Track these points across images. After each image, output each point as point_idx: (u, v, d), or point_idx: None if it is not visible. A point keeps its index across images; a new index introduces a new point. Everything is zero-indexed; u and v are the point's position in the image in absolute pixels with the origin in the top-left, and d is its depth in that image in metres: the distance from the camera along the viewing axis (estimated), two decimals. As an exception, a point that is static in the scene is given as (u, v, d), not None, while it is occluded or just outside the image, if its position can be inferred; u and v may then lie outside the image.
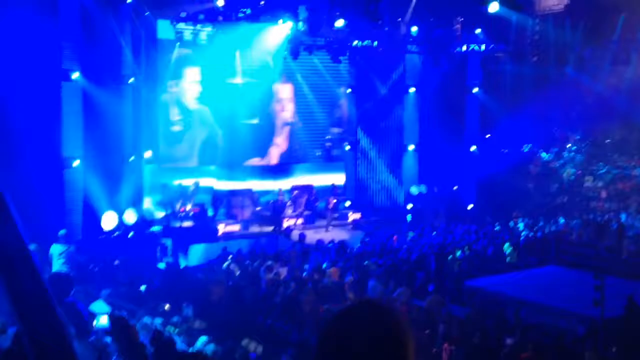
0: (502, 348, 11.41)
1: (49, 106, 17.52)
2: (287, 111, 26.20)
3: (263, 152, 25.89)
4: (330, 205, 24.80)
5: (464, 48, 26.36)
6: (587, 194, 25.43)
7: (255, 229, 23.15)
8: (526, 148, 28.65)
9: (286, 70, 25.61)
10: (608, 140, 27.47)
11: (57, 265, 13.08)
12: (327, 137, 27.32)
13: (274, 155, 26.17)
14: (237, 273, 16.71)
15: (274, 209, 23.80)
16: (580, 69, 27.18)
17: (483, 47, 26.48)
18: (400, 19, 24.43)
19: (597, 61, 26.27)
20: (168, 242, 19.82)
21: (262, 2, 21.35)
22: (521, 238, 21.82)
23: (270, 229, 23.10)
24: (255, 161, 25.69)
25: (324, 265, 17.25)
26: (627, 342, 12.49)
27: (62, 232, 13.95)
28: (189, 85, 23.87)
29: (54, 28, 17.47)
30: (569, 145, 28.41)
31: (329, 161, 27.46)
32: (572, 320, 14.37)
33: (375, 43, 25.06)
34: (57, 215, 17.26)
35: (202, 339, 9.16)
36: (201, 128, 24.48)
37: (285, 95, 26.11)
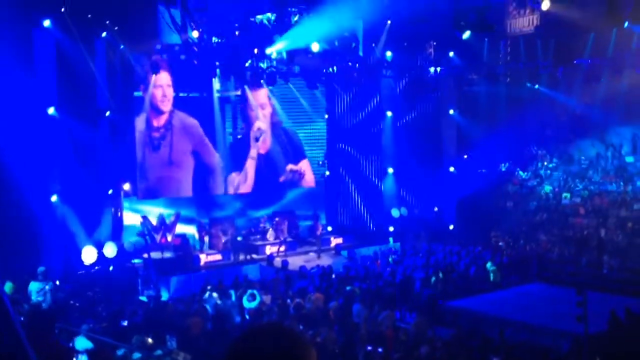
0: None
1: (26, 141, 17.39)
2: (262, 118, 25.84)
3: (240, 166, 25.68)
4: (318, 232, 24.77)
5: (438, 70, 26.68)
6: (565, 211, 25.66)
7: (238, 257, 23.03)
8: (504, 167, 28.94)
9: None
10: (583, 157, 27.85)
11: (36, 302, 12.89)
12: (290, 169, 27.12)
13: (250, 170, 25.77)
14: (219, 302, 16.57)
15: (250, 236, 23.94)
16: (553, 88, 27.62)
17: (457, 69, 26.85)
18: (374, 44, 24.71)
19: (570, 80, 26.71)
20: (149, 275, 19.64)
21: (237, 33, 21.50)
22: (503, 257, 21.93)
23: (250, 256, 23.05)
24: (234, 177, 25.38)
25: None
26: (611, 356, 12.53)
27: (40, 269, 13.78)
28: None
29: (29, 65, 17.48)
30: (546, 162, 28.75)
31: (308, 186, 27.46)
32: (556, 338, 14.43)
33: (351, 68, 25.31)
34: (35, 251, 17.07)
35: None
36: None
37: (262, 100, 25.77)
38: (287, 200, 26.95)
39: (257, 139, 25.46)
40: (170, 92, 23.24)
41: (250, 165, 25.58)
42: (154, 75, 21.96)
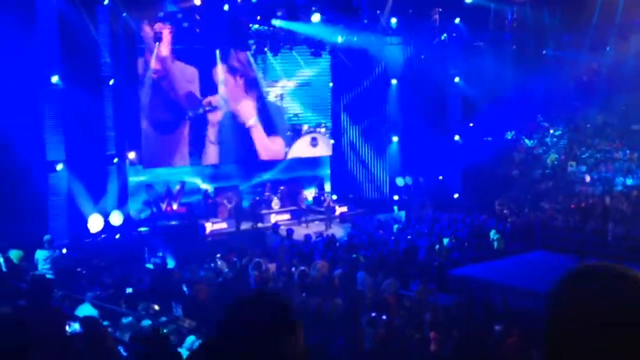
0: (490, 335, 11.49)
1: (30, 111, 17.40)
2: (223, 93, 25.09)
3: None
4: (326, 203, 24.80)
5: (444, 38, 26.42)
6: (570, 179, 25.61)
7: (243, 226, 23.16)
8: (509, 135, 28.83)
9: (268, 67, 25.53)
10: (589, 125, 27.70)
11: (43, 270, 13.01)
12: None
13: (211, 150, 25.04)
14: (226, 270, 16.70)
15: (256, 205, 23.95)
16: (559, 55, 27.37)
17: (462, 36, 26.59)
18: (379, 12, 24.47)
19: (576, 47, 26.45)
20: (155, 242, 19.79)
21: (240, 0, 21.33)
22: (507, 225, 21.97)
23: (256, 225, 23.18)
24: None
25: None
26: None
27: (47, 237, 13.87)
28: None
29: (32, 33, 17.37)
30: (552, 130, 28.63)
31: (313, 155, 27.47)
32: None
33: (355, 38, 25.11)
34: (41, 220, 17.19)
35: (191, 338, 9.16)
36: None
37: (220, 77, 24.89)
38: (292, 169, 26.97)
39: (206, 112, 24.55)
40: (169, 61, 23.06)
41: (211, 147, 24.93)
42: (157, 44, 21.83)
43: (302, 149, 26.91)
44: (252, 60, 24.96)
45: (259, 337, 1.71)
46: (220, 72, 24.36)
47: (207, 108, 24.32)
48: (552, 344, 1.46)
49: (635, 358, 1.39)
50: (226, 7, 21.15)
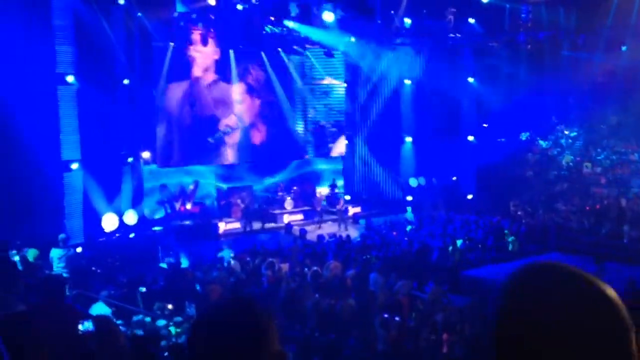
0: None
1: (46, 110, 17.53)
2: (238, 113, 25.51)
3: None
4: (340, 204, 24.76)
5: (458, 38, 26.32)
6: (586, 180, 25.42)
7: (256, 225, 23.21)
8: (524, 136, 28.65)
9: (280, 66, 25.55)
10: (604, 126, 27.48)
11: (58, 269, 13.11)
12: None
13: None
14: (239, 270, 16.74)
15: (268, 205, 24.04)
16: (574, 55, 27.16)
17: (477, 36, 26.47)
18: (392, 12, 24.42)
19: (592, 47, 26.24)
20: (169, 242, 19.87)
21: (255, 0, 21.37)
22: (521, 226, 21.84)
23: (268, 225, 23.21)
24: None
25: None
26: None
27: (61, 236, 13.98)
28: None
29: (47, 33, 17.50)
30: (567, 132, 28.42)
31: (326, 156, 27.46)
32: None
33: (369, 37, 25.09)
34: (57, 219, 17.31)
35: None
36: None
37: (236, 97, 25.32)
38: (305, 170, 27.00)
39: (225, 134, 24.99)
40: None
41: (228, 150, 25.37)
42: (171, 44, 21.96)
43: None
44: (270, 71, 25.12)
45: (226, 343, 1.72)
46: (236, 91, 24.71)
47: (225, 131, 24.74)
48: (500, 345, 1.43)
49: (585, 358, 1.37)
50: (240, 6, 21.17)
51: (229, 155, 24.97)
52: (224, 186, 24.60)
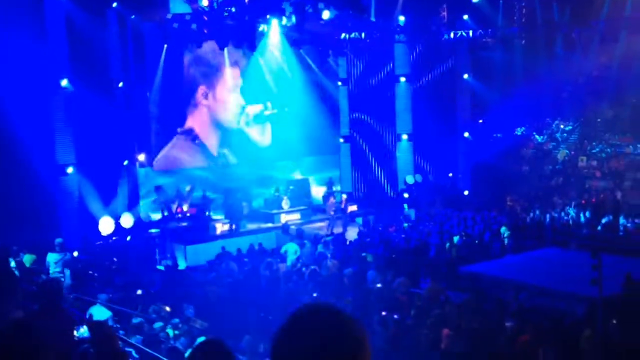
0: (502, 332, 11.45)
1: (40, 114, 17.51)
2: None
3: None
4: (342, 205, 24.70)
5: (452, 35, 26.33)
6: (581, 174, 25.47)
7: (252, 226, 23.20)
8: (519, 131, 28.70)
9: (274, 65, 25.52)
10: (599, 120, 27.52)
11: (54, 273, 13.10)
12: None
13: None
14: (236, 271, 16.76)
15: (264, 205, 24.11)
16: (569, 49, 27.17)
17: (471, 32, 26.48)
18: (387, 9, 24.41)
19: (586, 41, 26.25)
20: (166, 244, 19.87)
21: (247, 0, 21.31)
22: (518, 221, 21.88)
23: (266, 225, 23.22)
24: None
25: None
26: (626, 319, 12.53)
27: (58, 240, 13.96)
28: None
29: (41, 37, 17.47)
30: (562, 126, 28.46)
31: (322, 154, 27.45)
32: (571, 301, 14.41)
33: (363, 35, 25.06)
34: (53, 223, 17.28)
35: (201, 339, 9.19)
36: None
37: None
38: (302, 168, 26.97)
39: None
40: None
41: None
42: (165, 46, 21.96)
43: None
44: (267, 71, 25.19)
45: (319, 352, 1.65)
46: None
47: None
48: None
49: None
50: (233, 9, 21.14)
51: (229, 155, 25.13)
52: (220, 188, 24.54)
